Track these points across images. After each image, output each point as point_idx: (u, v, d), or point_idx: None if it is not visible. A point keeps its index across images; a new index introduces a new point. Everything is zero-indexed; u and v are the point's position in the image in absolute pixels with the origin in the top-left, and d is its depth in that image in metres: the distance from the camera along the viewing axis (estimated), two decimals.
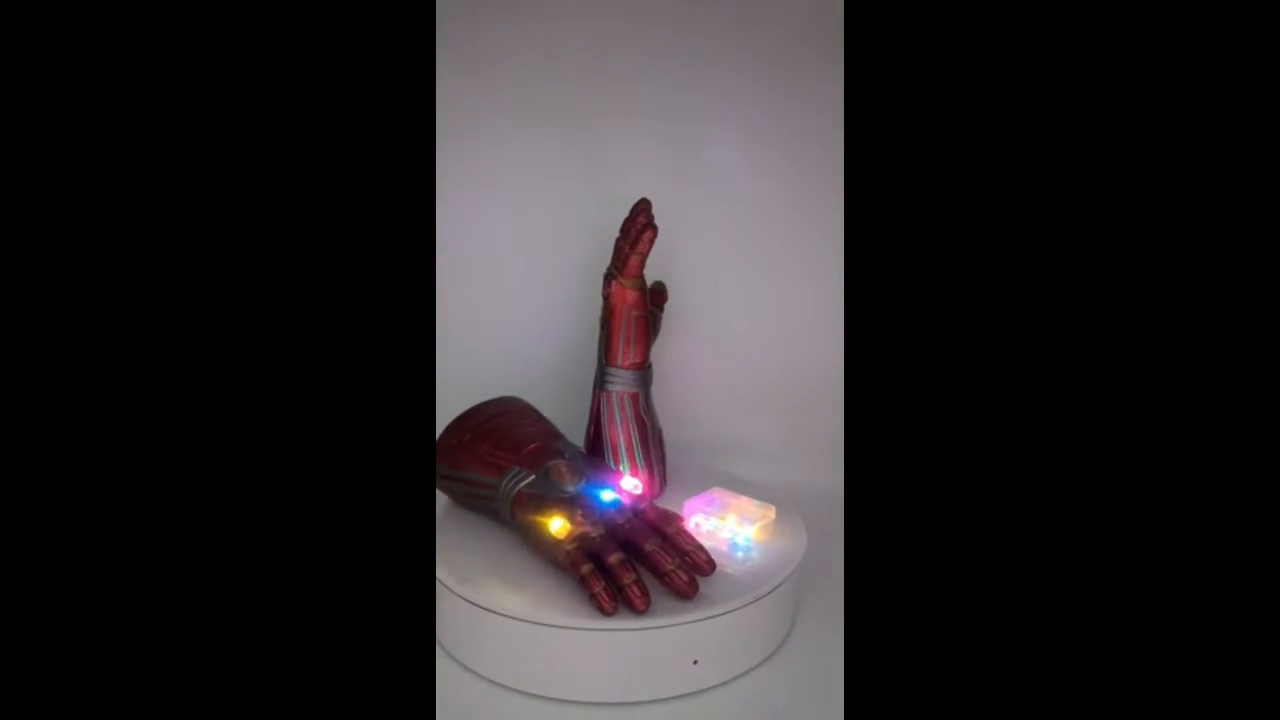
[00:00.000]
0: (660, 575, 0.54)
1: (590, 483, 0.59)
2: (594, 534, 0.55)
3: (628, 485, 0.61)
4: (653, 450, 0.70)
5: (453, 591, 0.54)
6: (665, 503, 0.65)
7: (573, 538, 0.55)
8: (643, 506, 0.58)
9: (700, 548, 0.55)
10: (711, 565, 0.55)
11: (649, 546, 0.54)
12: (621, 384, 0.69)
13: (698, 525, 0.63)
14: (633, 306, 0.67)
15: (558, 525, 0.55)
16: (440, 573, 0.56)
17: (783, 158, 0.84)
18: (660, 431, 0.72)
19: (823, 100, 0.79)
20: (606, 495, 0.58)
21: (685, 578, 0.53)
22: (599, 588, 0.52)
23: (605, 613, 0.51)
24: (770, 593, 0.56)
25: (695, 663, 0.53)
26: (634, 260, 0.66)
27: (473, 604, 0.53)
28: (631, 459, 0.69)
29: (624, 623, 0.51)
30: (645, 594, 0.52)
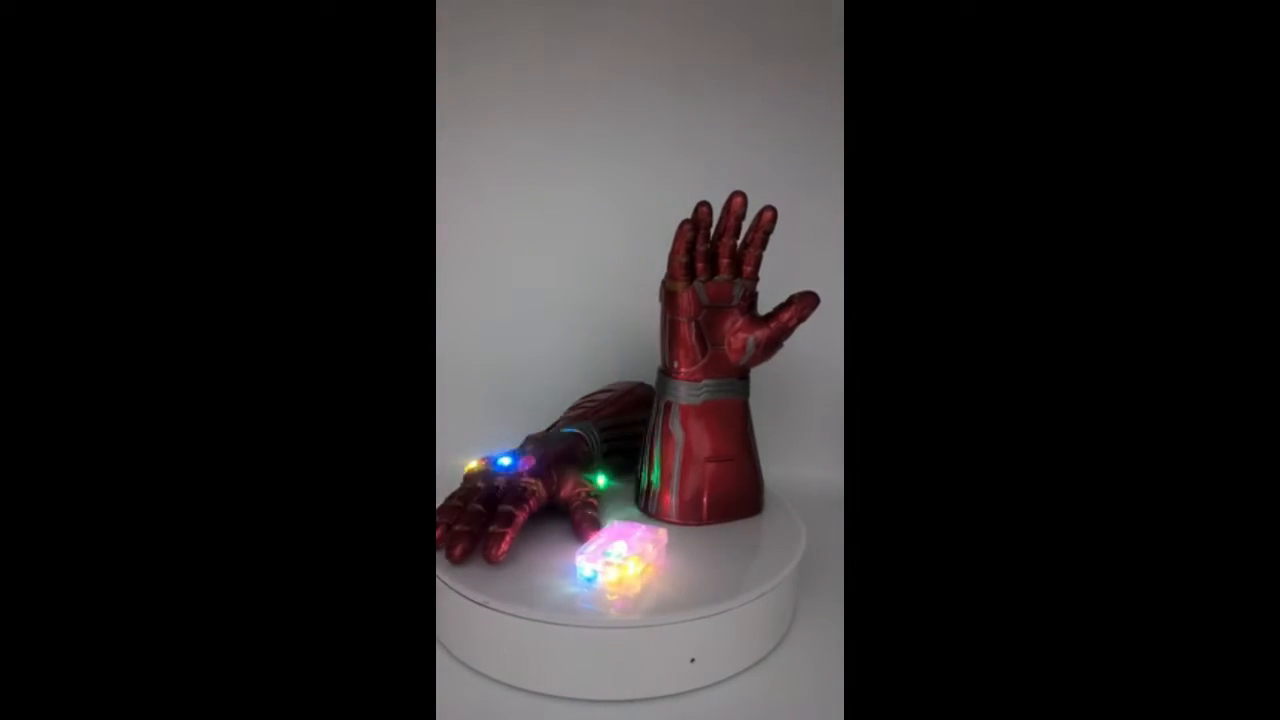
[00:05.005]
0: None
1: (541, 453, 0.64)
2: (481, 484, 0.61)
3: (525, 463, 0.63)
4: (679, 468, 0.64)
5: (452, 589, 0.55)
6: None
7: (467, 481, 0.63)
8: (523, 481, 0.60)
9: (501, 538, 0.56)
10: (495, 556, 0.55)
11: (470, 507, 0.58)
12: (661, 390, 0.65)
13: (604, 548, 0.57)
14: (667, 308, 0.62)
15: (467, 468, 0.64)
16: (440, 570, 0.56)
17: (787, 157, 0.85)
18: (719, 461, 0.64)
19: (828, 103, 0.80)
20: (505, 460, 0.63)
21: (458, 546, 0.55)
22: (440, 519, 0.58)
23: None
24: (768, 592, 0.56)
25: (692, 661, 0.53)
26: (674, 261, 0.61)
27: (472, 601, 0.53)
28: (650, 465, 0.66)
29: (620, 620, 0.51)
30: (450, 544, 0.55)
